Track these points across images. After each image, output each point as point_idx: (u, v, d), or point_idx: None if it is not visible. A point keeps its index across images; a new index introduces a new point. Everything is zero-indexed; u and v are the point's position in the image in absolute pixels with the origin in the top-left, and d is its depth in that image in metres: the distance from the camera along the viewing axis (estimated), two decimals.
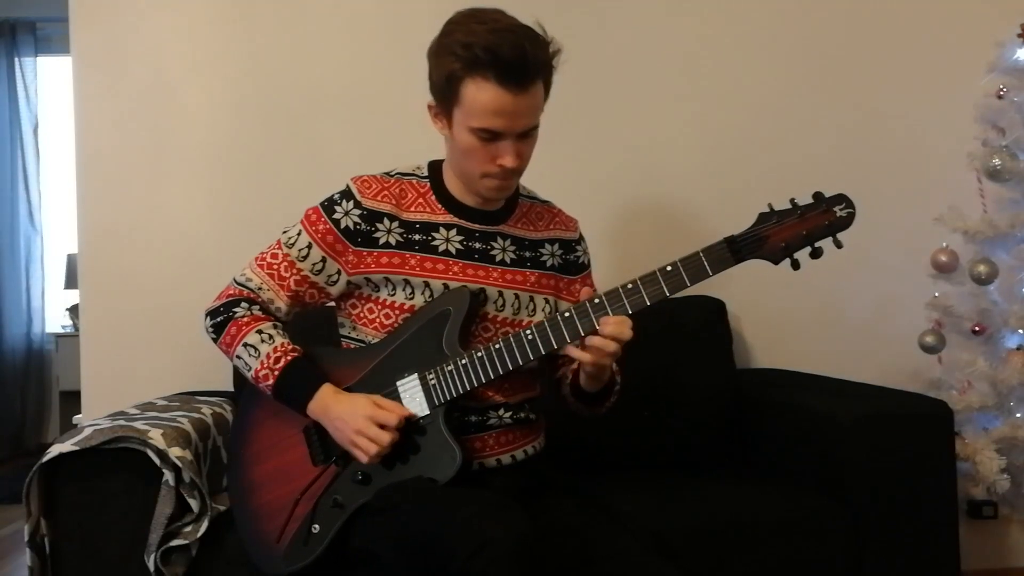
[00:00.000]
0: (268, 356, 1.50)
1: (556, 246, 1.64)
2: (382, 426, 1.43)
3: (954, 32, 2.58)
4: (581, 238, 1.70)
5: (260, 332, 1.53)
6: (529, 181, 1.62)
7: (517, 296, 1.55)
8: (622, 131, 2.51)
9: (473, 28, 1.41)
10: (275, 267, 1.56)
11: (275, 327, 1.55)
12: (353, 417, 1.44)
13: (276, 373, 1.50)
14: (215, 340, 1.57)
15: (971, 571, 2.30)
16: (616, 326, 1.40)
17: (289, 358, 1.51)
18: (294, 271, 1.55)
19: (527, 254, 1.59)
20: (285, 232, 1.57)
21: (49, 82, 5.21)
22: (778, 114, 2.55)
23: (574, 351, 1.43)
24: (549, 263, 1.62)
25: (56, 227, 5.25)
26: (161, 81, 2.41)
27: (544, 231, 1.63)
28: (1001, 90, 2.40)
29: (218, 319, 1.56)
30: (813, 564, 1.79)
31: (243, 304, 1.56)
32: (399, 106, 2.38)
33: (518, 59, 1.38)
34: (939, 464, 1.87)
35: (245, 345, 1.52)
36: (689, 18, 2.53)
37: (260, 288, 1.56)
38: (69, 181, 2.63)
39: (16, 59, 5.14)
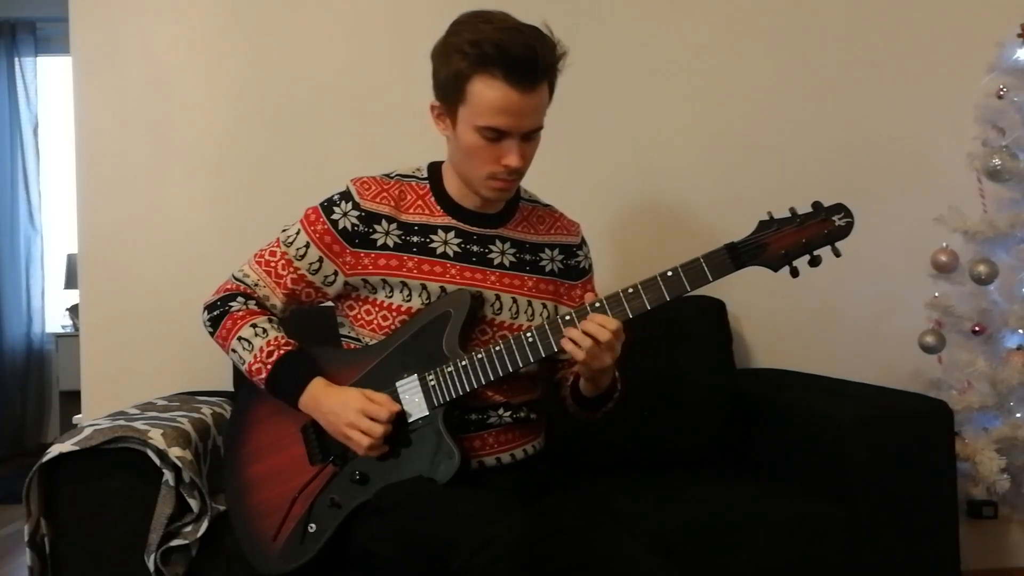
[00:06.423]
0: (261, 350, 1.51)
1: (556, 251, 1.63)
2: (373, 419, 1.43)
3: (954, 32, 2.57)
4: (583, 243, 1.69)
5: (255, 326, 1.53)
6: (530, 182, 1.61)
7: (515, 300, 1.55)
8: (624, 133, 2.50)
9: (480, 27, 1.41)
10: (272, 264, 1.56)
11: (270, 321, 1.55)
12: (344, 410, 1.45)
13: (268, 367, 1.50)
14: (212, 334, 1.58)
15: (971, 571, 2.30)
16: (596, 325, 1.38)
17: (282, 352, 1.51)
18: (291, 269, 1.55)
19: (527, 257, 1.59)
20: (284, 231, 1.58)
21: (49, 82, 5.21)
22: (779, 114, 2.55)
23: (570, 345, 1.40)
24: (548, 268, 1.61)
25: (56, 227, 5.24)
26: (161, 81, 2.41)
27: (545, 235, 1.63)
28: (1001, 90, 2.39)
29: (215, 313, 1.57)
30: (813, 564, 1.79)
31: (239, 299, 1.56)
32: (400, 106, 2.39)
33: (527, 57, 1.39)
34: (939, 464, 1.86)
35: (239, 339, 1.53)
36: (689, 19, 2.53)
37: (257, 284, 1.57)
38: (69, 181, 2.63)
39: (16, 59, 5.14)
